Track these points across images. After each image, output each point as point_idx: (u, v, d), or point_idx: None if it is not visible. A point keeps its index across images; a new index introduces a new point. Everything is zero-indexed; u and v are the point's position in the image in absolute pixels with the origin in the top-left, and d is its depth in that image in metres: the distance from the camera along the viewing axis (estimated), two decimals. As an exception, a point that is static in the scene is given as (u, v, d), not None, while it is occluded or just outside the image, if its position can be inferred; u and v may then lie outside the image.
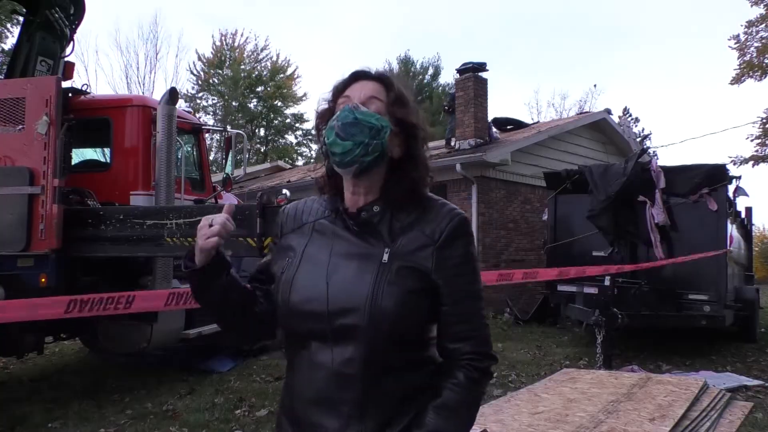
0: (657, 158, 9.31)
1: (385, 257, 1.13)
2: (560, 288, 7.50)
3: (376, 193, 1.20)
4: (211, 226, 1.14)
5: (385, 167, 1.19)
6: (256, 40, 31.41)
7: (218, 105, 30.19)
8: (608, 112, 13.71)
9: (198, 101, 29.93)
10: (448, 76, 32.84)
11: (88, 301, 2.98)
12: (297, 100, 32.03)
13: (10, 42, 18.07)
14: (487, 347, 1.19)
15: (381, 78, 1.22)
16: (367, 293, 1.10)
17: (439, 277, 1.14)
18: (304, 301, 1.15)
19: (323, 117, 1.23)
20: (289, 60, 31.95)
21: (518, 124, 13.36)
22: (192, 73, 29.84)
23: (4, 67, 11.16)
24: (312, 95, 31.96)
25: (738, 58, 19.19)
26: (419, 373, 1.16)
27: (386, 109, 1.19)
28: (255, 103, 31.00)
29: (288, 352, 1.23)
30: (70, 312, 2.87)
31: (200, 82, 30.11)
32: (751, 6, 18.52)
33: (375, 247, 1.15)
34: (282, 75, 31.35)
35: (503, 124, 12.88)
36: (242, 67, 30.15)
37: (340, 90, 1.23)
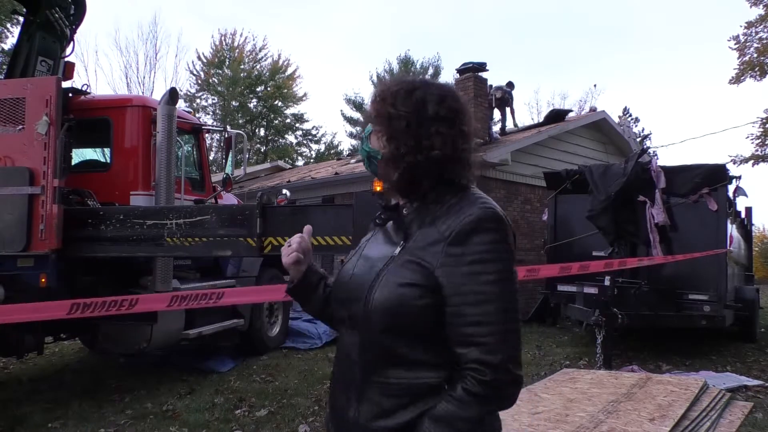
0: (657, 158, 9.28)
1: (397, 251, 1.18)
2: (560, 288, 7.49)
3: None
4: (289, 246, 1.34)
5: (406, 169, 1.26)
6: (254, 40, 31.46)
7: (218, 105, 30.19)
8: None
9: (198, 101, 29.95)
10: (448, 76, 32.78)
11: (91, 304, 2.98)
12: (297, 100, 32.04)
13: (10, 42, 18.12)
14: (497, 357, 1.05)
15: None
16: (369, 283, 1.17)
17: (443, 275, 1.10)
18: (336, 289, 1.31)
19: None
20: (289, 60, 31.99)
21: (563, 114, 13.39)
22: (192, 72, 29.88)
23: (4, 67, 11.16)
24: (312, 95, 31.98)
25: (738, 58, 19.22)
26: (432, 373, 1.12)
27: (373, 113, 1.26)
28: (255, 103, 31.00)
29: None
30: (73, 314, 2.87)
31: (200, 82, 30.12)
32: (751, 6, 18.57)
33: (395, 241, 1.21)
34: (282, 75, 31.34)
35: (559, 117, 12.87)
36: (242, 66, 30.14)
37: None
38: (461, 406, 1.06)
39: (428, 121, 1.19)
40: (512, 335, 1.09)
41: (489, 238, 1.10)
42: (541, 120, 13.03)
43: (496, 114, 12.32)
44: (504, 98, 11.89)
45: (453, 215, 1.14)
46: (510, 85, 12.28)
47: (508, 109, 12.30)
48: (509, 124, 12.56)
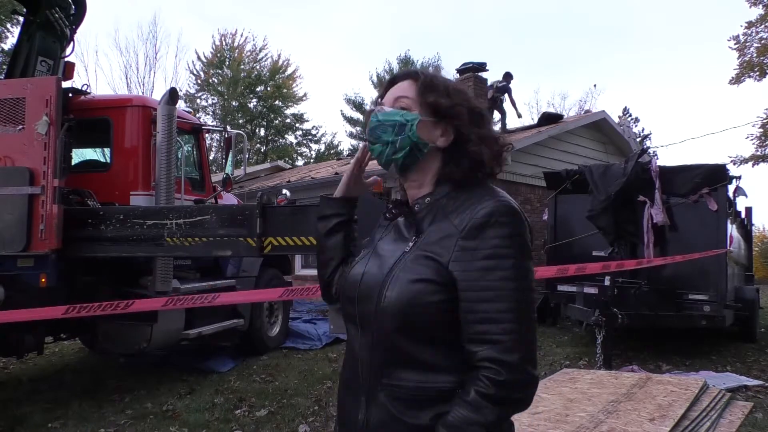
0: (657, 158, 9.28)
1: (408, 246, 1.14)
2: (560, 288, 7.49)
3: (429, 185, 1.20)
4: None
5: (435, 158, 1.19)
6: (254, 40, 31.46)
7: (218, 105, 30.19)
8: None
9: (197, 101, 29.94)
10: (447, 77, 32.72)
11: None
12: (297, 100, 32.04)
13: (10, 42, 18.12)
14: (513, 356, 1.01)
15: (410, 74, 1.23)
16: (381, 281, 1.12)
17: (457, 269, 1.06)
18: (346, 286, 1.24)
19: (365, 127, 1.29)
20: (288, 60, 31.98)
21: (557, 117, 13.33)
22: (192, 72, 29.88)
23: (4, 67, 11.15)
24: (312, 95, 31.98)
25: (738, 59, 19.22)
26: (447, 375, 1.08)
27: (417, 102, 1.18)
28: (255, 103, 30.99)
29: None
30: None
31: (200, 82, 30.11)
32: (751, 6, 18.56)
33: (407, 237, 1.17)
34: (282, 75, 31.33)
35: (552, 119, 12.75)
36: (242, 66, 30.14)
37: (378, 99, 1.27)
38: (476, 411, 1.01)
39: (478, 115, 1.21)
40: (529, 334, 1.05)
41: (504, 232, 1.06)
42: (534, 123, 12.97)
43: (496, 115, 12.32)
44: (494, 98, 11.86)
45: (467, 209, 1.10)
46: (506, 77, 12.11)
47: (507, 104, 12.24)
48: (513, 116, 12.53)
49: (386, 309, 1.09)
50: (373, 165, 1.34)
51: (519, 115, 12.73)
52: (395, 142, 1.15)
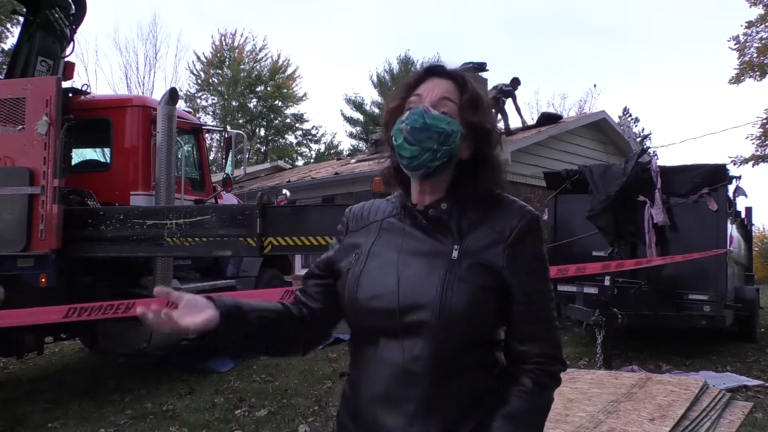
0: (657, 158, 9.27)
1: (455, 254, 1.10)
2: (560, 288, 7.49)
3: (442, 191, 1.17)
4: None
5: (452, 167, 1.16)
6: (254, 40, 31.46)
7: (218, 105, 30.20)
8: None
9: (197, 101, 29.95)
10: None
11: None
12: (297, 100, 32.03)
13: (10, 42, 18.11)
14: (558, 350, 1.15)
15: (455, 76, 1.17)
16: (436, 290, 1.08)
17: (510, 275, 1.10)
18: (374, 297, 1.13)
19: (392, 113, 1.19)
20: (288, 60, 31.99)
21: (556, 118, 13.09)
22: (192, 72, 29.89)
23: (4, 67, 11.16)
24: (312, 95, 31.98)
25: (738, 58, 19.22)
26: (487, 376, 1.13)
27: (458, 111, 1.14)
28: (255, 103, 30.99)
29: (353, 348, 1.21)
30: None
31: (200, 82, 30.12)
32: (751, 6, 18.56)
33: (444, 244, 1.13)
34: (282, 75, 31.34)
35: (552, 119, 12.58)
36: (242, 66, 30.15)
37: (411, 86, 1.18)
38: (535, 399, 1.10)
39: (498, 136, 1.22)
40: (558, 327, 1.19)
41: (540, 239, 1.16)
42: (533, 123, 12.84)
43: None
44: (496, 98, 11.68)
45: (504, 216, 1.15)
46: (514, 82, 11.97)
47: (510, 108, 12.08)
48: (517, 123, 12.33)
49: (454, 318, 1.07)
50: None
51: (524, 123, 12.45)
52: (438, 151, 1.10)
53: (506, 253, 1.11)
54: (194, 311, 1.08)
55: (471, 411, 1.09)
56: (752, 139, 19.71)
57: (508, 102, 11.95)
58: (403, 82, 1.21)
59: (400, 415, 1.08)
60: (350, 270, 1.18)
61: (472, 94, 1.16)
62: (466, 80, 1.17)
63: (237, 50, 30.56)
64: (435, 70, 1.18)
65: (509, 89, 11.92)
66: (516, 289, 1.11)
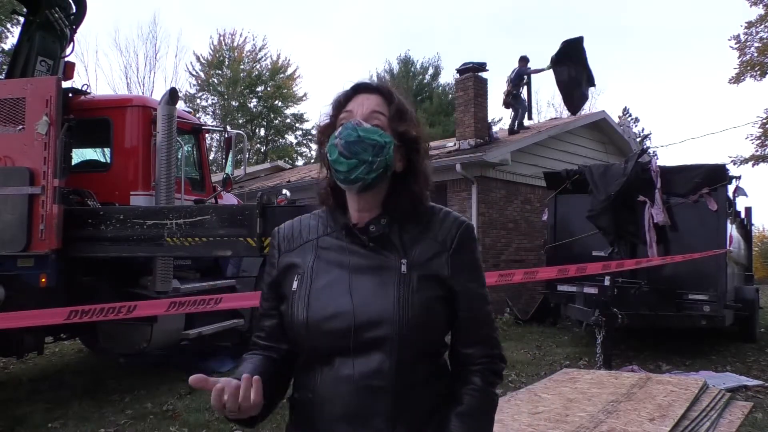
0: (657, 158, 9.23)
1: (404, 268, 1.13)
2: (560, 288, 7.50)
3: (379, 206, 1.18)
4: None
5: (386, 180, 1.17)
6: (254, 40, 31.47)
7: (218, 105, 30.19)
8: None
9: (197, 101, 29.95)
10: (448, 76, 32.76)
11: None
12: (297, 100, 32.05)
13: (10, 42, 18.11)
14: (499, 350, 1.22)
15: (381, 90, 1.20)
16: (393, 305, 1.09)
17: (455, 283, 1.16)
18: (327, 317, 1.11)
19: (324, 131, 1.21)
20: (288, 60, 32.00)
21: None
22: (191, 73, 29.89)
23: (4, 67, 11.18)
24: (312, 95, 32.00)
25: (738, 58, 19.22)
26: (441, 381, 1.18)
27: (388, 124, 1.17)
28: (255, 103, 31.00)
29: (303, 369, 1.19)
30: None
31: (199, 82, 30.12)
32: (751, 6, 18.56)
33: (390, 259, 1.14)
34: (282, 75, 31.34)
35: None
36: (242, 66, 30.15)
37: (341, 104, 1.21)
38: (485, 396, 1.17)
39: (426, 147, 1.25)
40: (497, 327, 1.27)
41: (476, 246, 1.24)
42: (549, 65, 11.11)
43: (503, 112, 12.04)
44: (508, 93, 11.32)
45: (441, 227, 1.19)
46: (523, 59, 11.24)
47: (524, 99, 11.59)
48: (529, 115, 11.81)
49: (413, 329, 1.09)
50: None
51: (530, 117, 12.06)
52: (373, 162, 1.11)
53: (449, 263, 1.16)
54: (244, 390, 1.03)
55: (432, 415, 1.14)
56: (752, 139, 19.71)
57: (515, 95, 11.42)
58: (333, 100, 1.23)
59: (369, 430, 1.09)
60: (295, 291, 1.17)
61: (399, 105, 1.19)
62: (392, 92, 1.21)
63: (237, 50, 30.56)
64: (363, 87, 1.21)
65: (519, 71, 11.25)
66: (461, 296, 1.17)
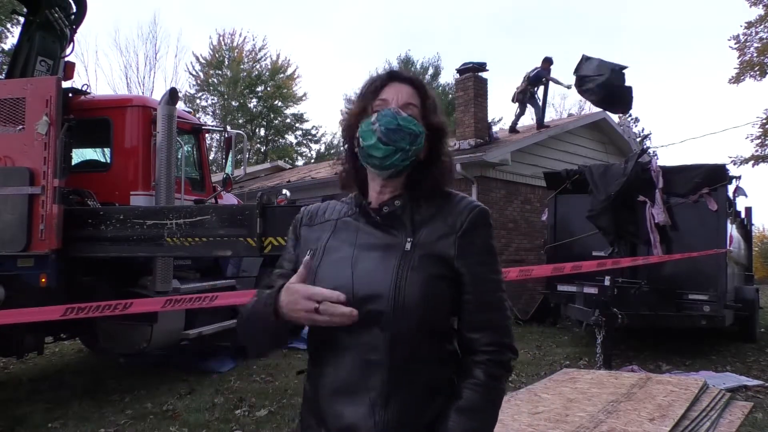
0: (657, 158, 9.20)
1: (408, 246, 1.15)
2: (560, 288, 7.49)
3: (399, 189, 1.23)
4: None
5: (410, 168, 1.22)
6: (254, 40, 31.45)
7: (218, 105, 30.18)
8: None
9: (197, 101, 29.93)
10: (448, 76, 32.74)
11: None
12: (297, 100, 32.01)
13: (10, 42, 18.11)
14: (508, 338, 1.19)
15: (414, 83, 1.25)
16: (390, 279, 1.12)
17: (461, 265, 1.16)
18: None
19: (356, 117, 1.23)
20: (288, 60, 31.97)
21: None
22: (190, 73, 29.87)
23: (4, 67, 11.18)
24: (312, 95, 31.93)
25: (738, 58, 19.21)
26: (444, 367, 1.17)
27: (420, 115, 1.21)
28: (255, 103, 30.98)
29: (311, 344, 1.23)
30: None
31: (199, 82, 30.10)
32: (751, 6, 18.54)
33: (397, 237, 1.17)
34: (282, 75, 31.32)
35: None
36: (242, 66, 30.13)
37: (375, 91, 1.24)
38: (488, 390, 1.13)
39: (447, 136, 1.29)
40: (509, 316, 1.22)
41: (490, 232, 1.21)
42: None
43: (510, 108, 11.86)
44: (524, 91, 11.09)
45: (454, 210, 1.19)
46: (546, 62, 11.05)
47: (540, 95, 11.33)
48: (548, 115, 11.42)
49: (408, 306, 1.10)
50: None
51: (568, 86, 10.94)
52: (408, 150, 1.16)
53: (457, 244, 1.16)
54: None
55: (429, 401, 1.13)
56: (752, 139, 19.69)
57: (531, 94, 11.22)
58: (365, 85, 1.27)
59: (362, 404, 1.11)
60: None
61: (433, 99, 1.25)
62: (425, 86, 1.26)
63: (236, 50, 30.55)
64: (397, 76, 1.25)
65: (539, 73, 11.05)
66: (466, 277, 1.16)
